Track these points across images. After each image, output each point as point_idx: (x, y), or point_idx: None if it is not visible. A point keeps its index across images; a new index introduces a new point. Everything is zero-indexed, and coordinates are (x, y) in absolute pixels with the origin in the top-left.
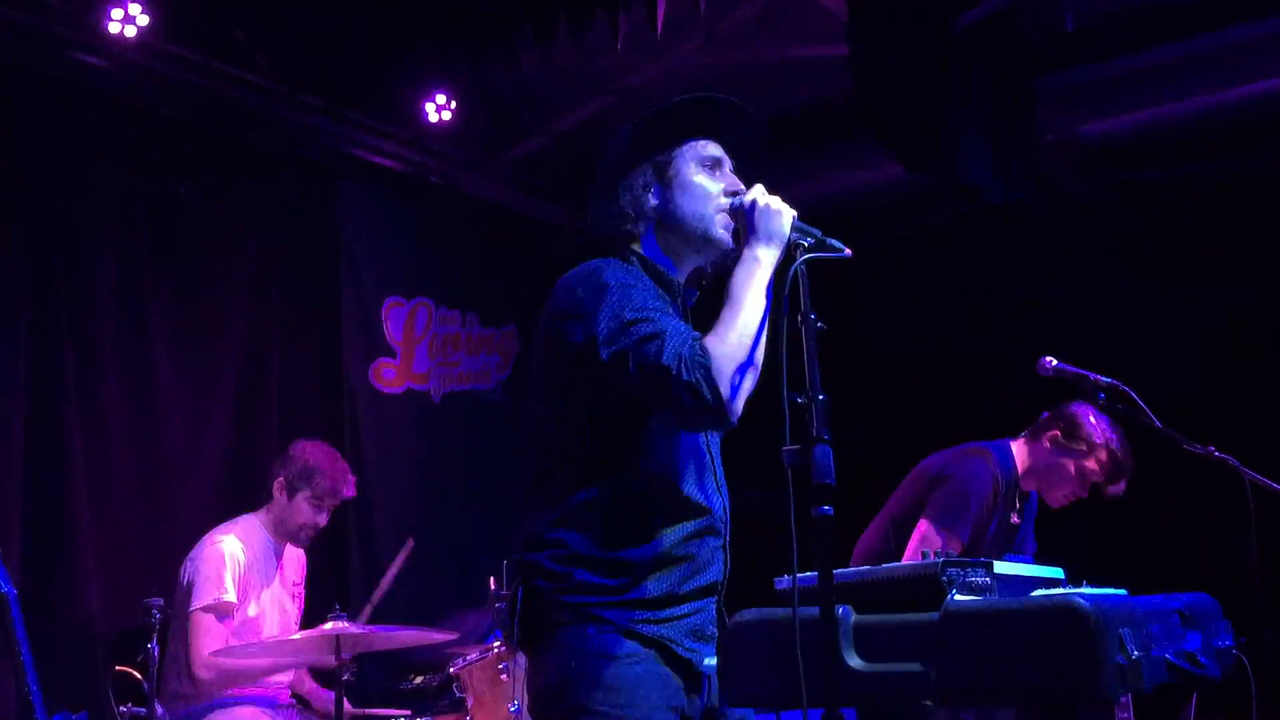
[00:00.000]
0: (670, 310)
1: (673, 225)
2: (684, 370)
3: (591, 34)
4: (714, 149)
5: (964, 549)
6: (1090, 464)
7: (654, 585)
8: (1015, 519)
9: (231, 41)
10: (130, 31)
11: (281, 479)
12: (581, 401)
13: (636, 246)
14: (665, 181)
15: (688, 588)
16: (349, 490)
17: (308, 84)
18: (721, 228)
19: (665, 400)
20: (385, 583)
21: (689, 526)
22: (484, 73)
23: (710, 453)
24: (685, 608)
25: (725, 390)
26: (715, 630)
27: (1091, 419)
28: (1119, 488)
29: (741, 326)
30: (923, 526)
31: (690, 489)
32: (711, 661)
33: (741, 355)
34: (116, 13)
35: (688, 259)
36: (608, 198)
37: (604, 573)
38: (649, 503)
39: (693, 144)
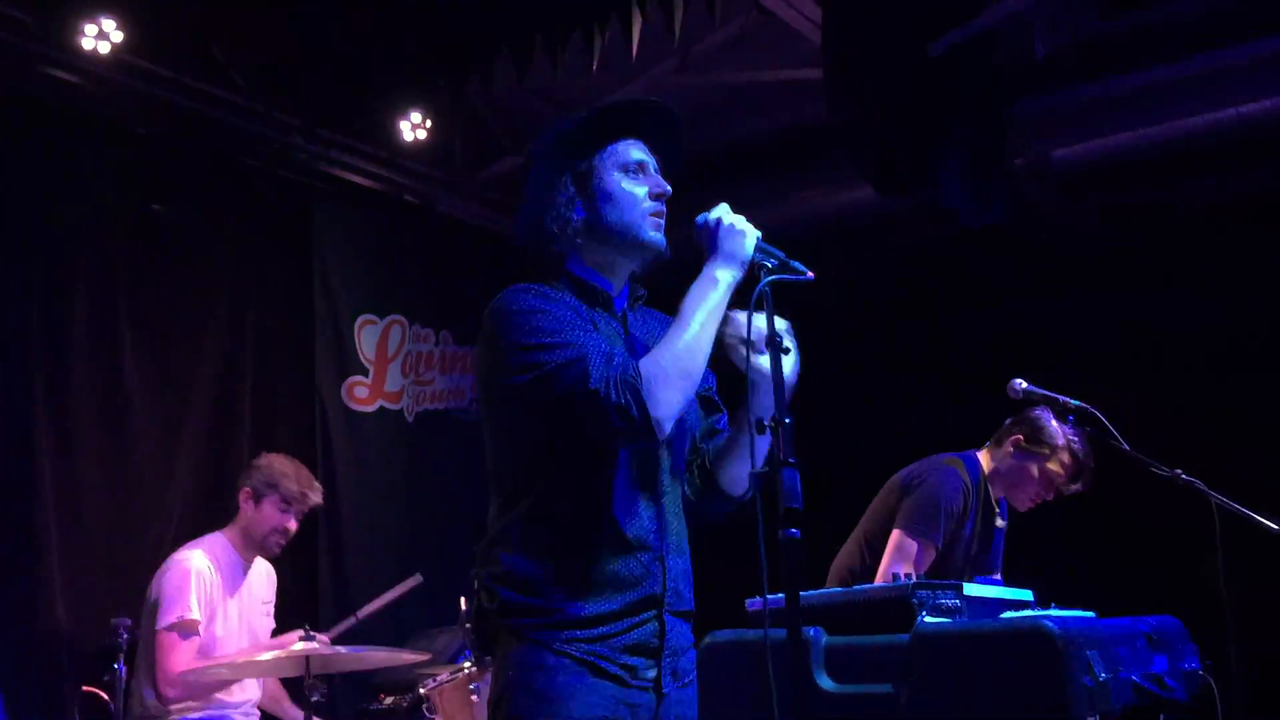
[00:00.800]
0: (595, 326)
1: (601, 236)
2: (612, 392)
3: (567, 55)
4: (636, 152)
5: (939, 556)
6: (1053, 466)
7: (583, 606)
8: (1000, 521)
9: (207, 59)
10: (104, 48)
11: (247, 489)
12: (507, 426)
13: (570, 263)
14: (588, 193)
15: (616, 604)
16: (316, 496)
17: (283, 102)
18: (652, 230)
19: (593, 421)
20: (375, 605)
21: (619, 543)
22: (459, 92)
23: (653, 462)
24: (617, 625)
25: (654, 410)
26: (658, 643)
27: (1053, 422)
28: (1080, 486)
29: (682, 346)
30: (895, 536)
31: (620, 506)
32: (651, 674)
33: (676, 373)
34: (90, 29)
35: (622, 266)
36: (533, 217)
37: (533, 593)
38: (575, 523)
39: (612, 149)
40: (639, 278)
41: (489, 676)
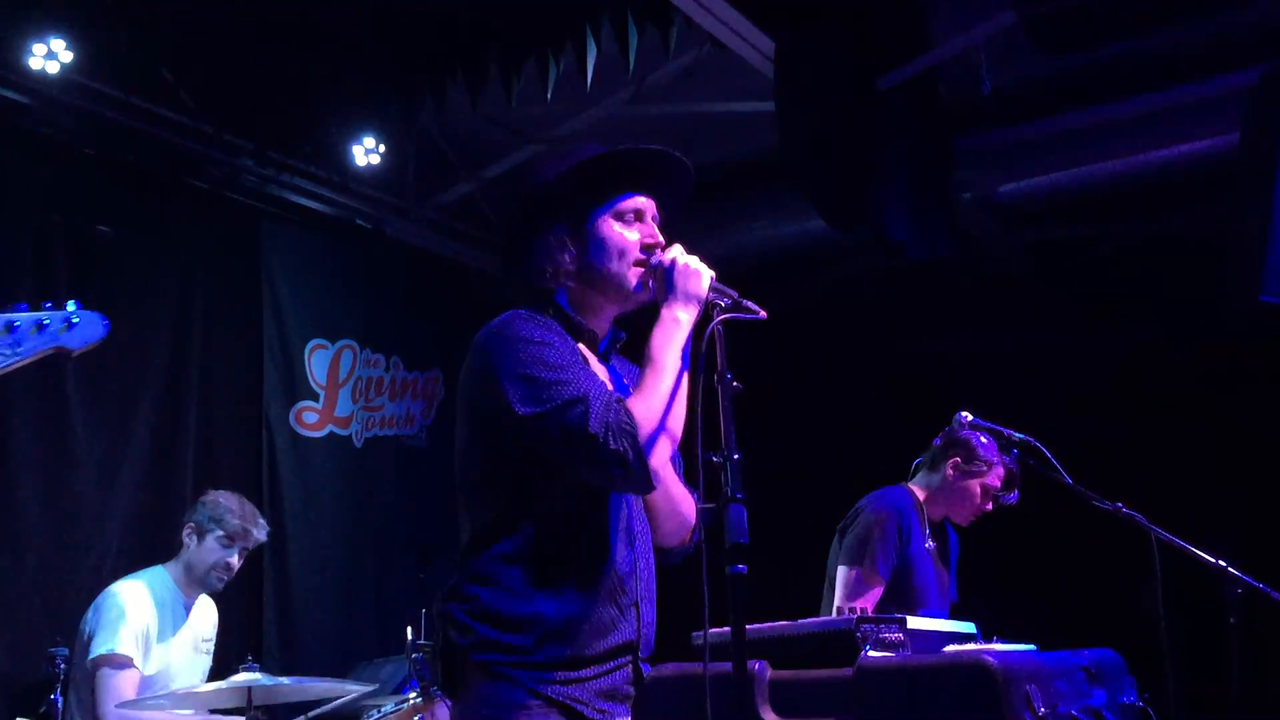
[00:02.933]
0: (586, 365)
1: (590, 280)
2: (610, 439)
3: (521, 82)
4: (634, 201)
5: (893, 586)
6: (991, 480)
7: (560, 647)
8: (932, 544)
9: (157, 80)
10: (53, 67)
11: (191, 525)
12: (492, 455)
13: (558, 297)
14: (580, 237)
15: (596, 649)
16: (260, 533)
17: (234, 124)
18: (636, 279)
19: (589, 466)
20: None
21: (597, 585)
22: (413, 117)
23: (627, 508)
24: (594, 669)
25: (649, 456)
26: (631, 689)
27: (981, 439)
28: (1014, 496)
29: (663, 390)
30: (840, 572)
31: (598, 547)
32: None
33: (664, 420)
34: (39, 48)
35: (605, 310)
36: (523, 252)
37: (510, 631)
38: (555, 561)
39: (610, 194)
40: (620, 321)
41: (436, 709)
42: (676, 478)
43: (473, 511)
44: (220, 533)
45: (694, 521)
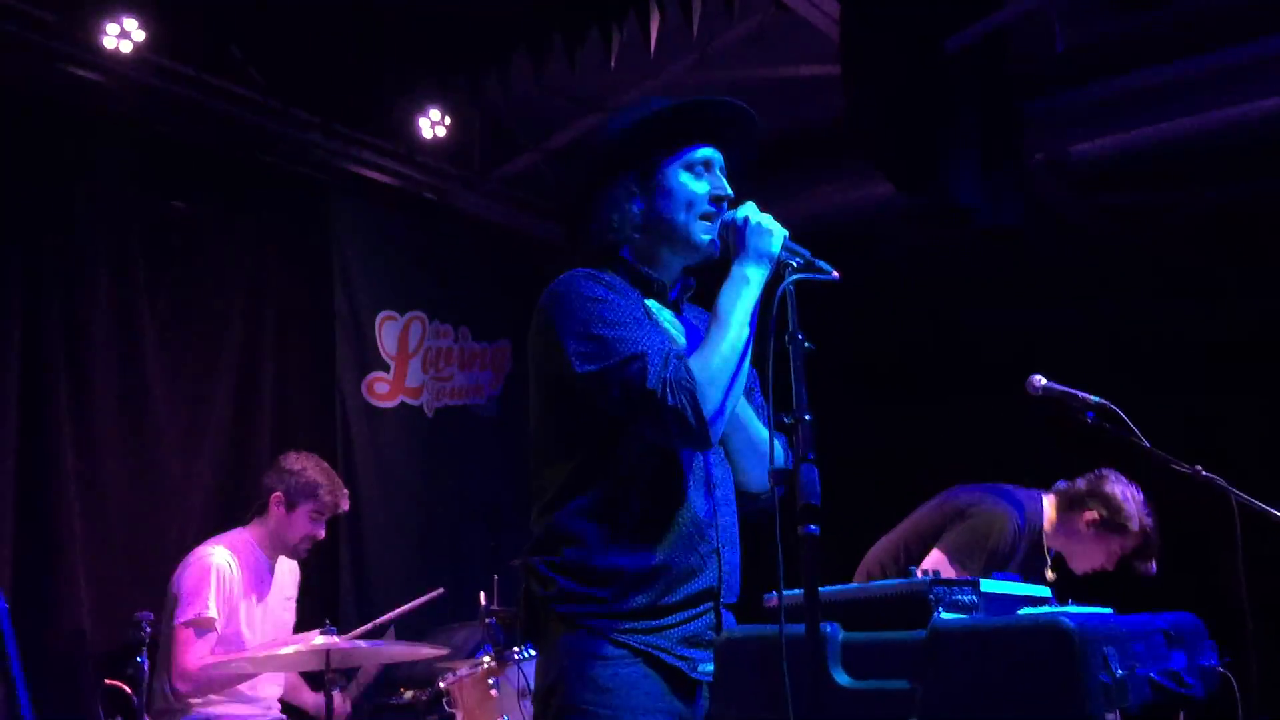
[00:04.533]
0: (652, 319)
1: (657, 231)
2: (669, 395)
3: (585, 53)
4: (703, 151)
5: None
6: (1127, 542)
7: (640, 596)
8: (1050, 575)
9: (226, 57)
10: (125, 47)
11: (280, 493)
12: (564, 415)
13: (624, 252)
14: (649, 188)
15: (676, 597)
16: (346, 504)
17: (302, 99)
18: (703, 233)
19: (649, 422)
20: (396, 612)
21: (676, 535)
22: (478, 90)
23: (704, 457)
24: (676, 617)
25: (709, 414)
26: (713, 635)
27: (1130, 503)
28: (1150, 567)
29: (728, 348)
30: (936, 556)
31: (675, 497)
32: (708, 667)
33: (726, 377)
34: (112, 28)
35: (673, 262)
36: (592, 205)
37: (590, 583)
38: (633, 513)
39: (679, 146)
40: (690, 272)
41: (509, 672)
42: (759, 422)
43: (549, 469)
44: (312, 506)
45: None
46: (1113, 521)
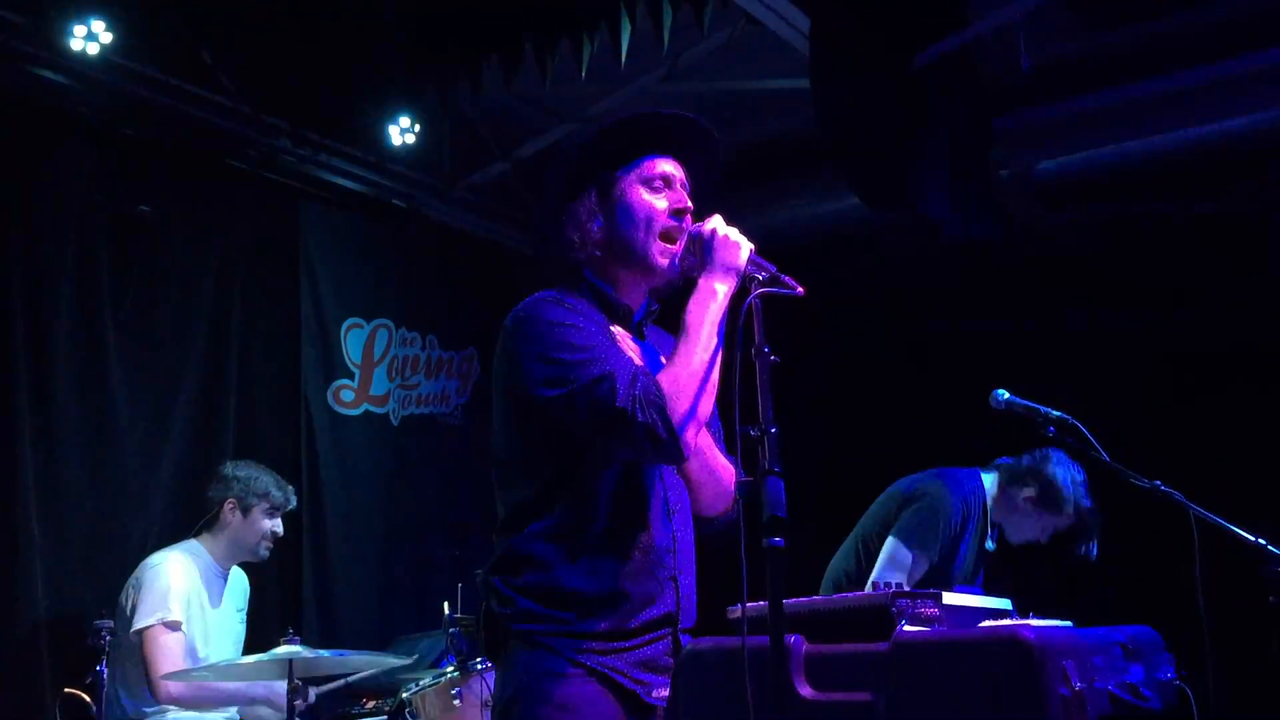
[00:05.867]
0: (614, 340)
1: (615, 252)
2: (639, 411)
3: (556, 62)
4: (662, 165)
5: (932, 570)
6: (1061, 523)
7: (600, 620)
8: (990, 544)
9: (196, 61)
10: (93, 48)
11: (232, 500)
12: (527, 437)
13: (586, 272)
14: (608, 205)
15: (635, 622)
16: (293, 498)
17: (272, 105)
18: (661, 256)
19: (622, 441)
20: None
21: (636, 560)
22: (448, 98)
23: (663, 482)
24: (634, 641)
25: (680, 426)
26: (670, 660)
27: (1069, 485)
28: (1091, 549)
29: (695, 362)
30: (891, 544)
31: (636, 522)
32: (663, 693)
33: (695, 390)
34: (79, 29)
35: (634, 285)
36: (554, 224)
37: (550, 604)
38: (594, 537)
39: (638, 161)
40: (653, 296)
41: (473, 683)
42: (716, 447)
43: (510, 489)
44: (266, 505)
45: (734, 490)
46: (1050, 501)
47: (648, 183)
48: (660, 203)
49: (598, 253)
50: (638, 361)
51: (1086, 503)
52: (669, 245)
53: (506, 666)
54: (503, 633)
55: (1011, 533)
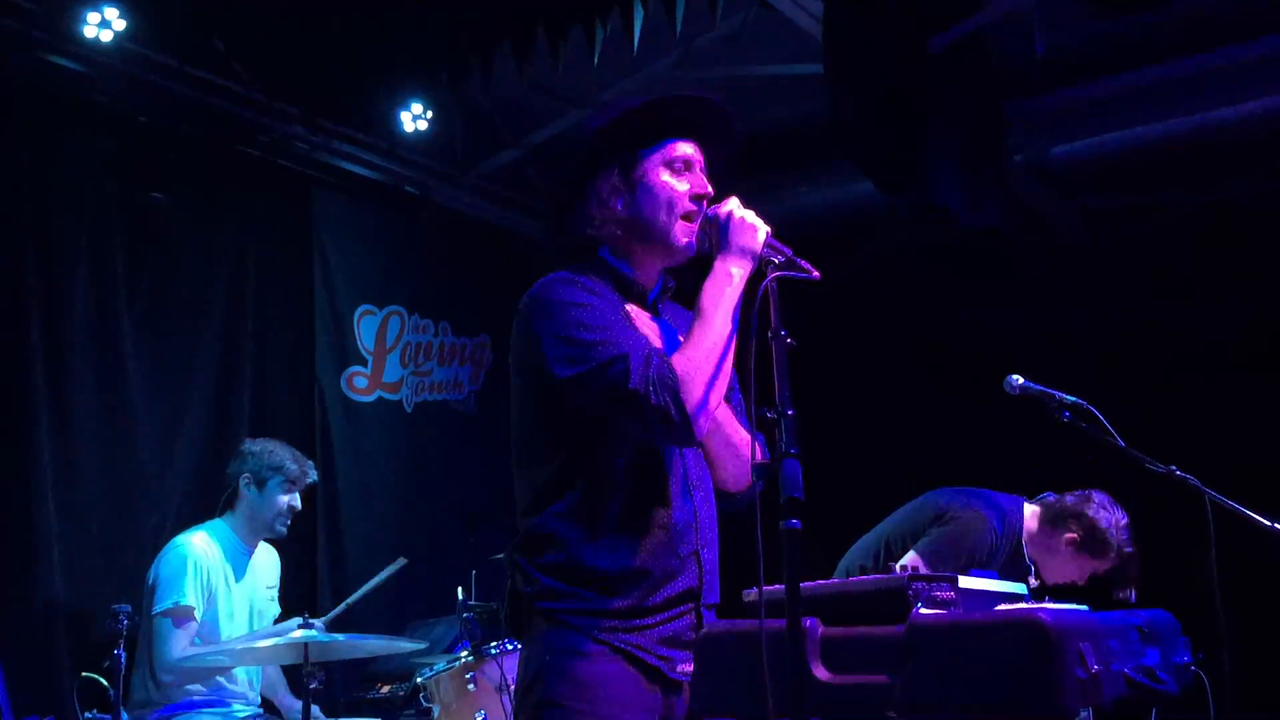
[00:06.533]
0: (630, 320)
1: (637, 229)
2: (653, 393)
3: (568, 48)
4: (684, 148)
5: None
6: (1102, 568)
7: (621, 597)
8: (1033, 581)
9: (209, 49)
10: (106, 36)
11: (248, 475)
12: (545, 418)
13: (603, 251)
14: (630, 184)
15: (657, 599)
16: (313, 472)
17: (285, 92)
18: (682, 236)
19: (635, 421)
20: (365, 589)
21: (656, 537)
22: (460, 84)
23: (683, 458)
24: (657, 617)
25: (692, 410)
26: (693, 636)
27: (1113, 530)
28: (1130, 595)
29: (710, 344)
30: (913, 559)
31: (656, 499)
32: (688, 668)
33: (708, 373)
34: (93, 17)
35: (651, 263)
36: (576, 201)
37: (572, 582)
38: (614, 515)
39: (660, 143)
40: (670, 272)
41: (487, 667)
42: (737, 422)
43: (529, 470)
44: (281, 478)
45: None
46: (1092, 545)
47: (670, 165)
48: (682, 185)
49: (619, 230)
50: (655, 342)
51: (1129, 549)
52: (689, 224)
53: (529, 645)
54: (526, 611)
55: (1048, 573)
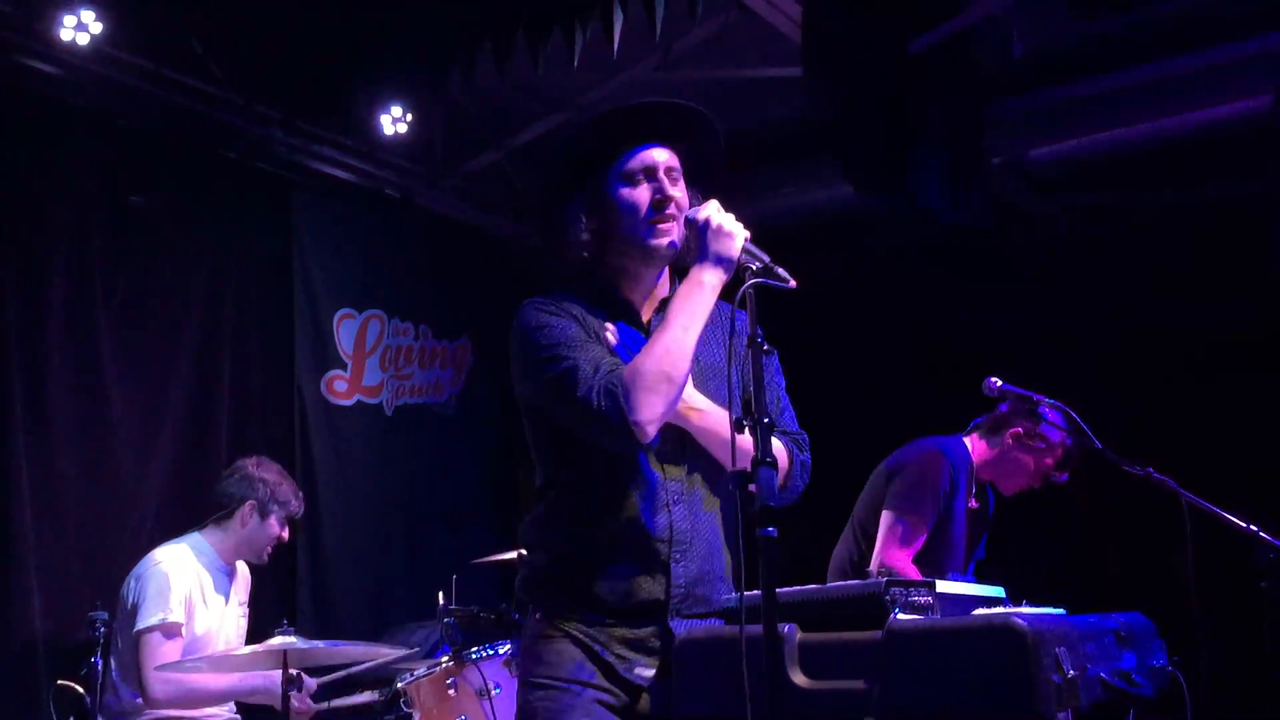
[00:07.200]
0: (591, 335)
1: (613, 247)
2: (594, 399)
3: (548, 50)
4: (639, 158)
5: (937, 537)
6: (1048, 460)
7: (590, 599)
8: (974, 503)
9: (187, 51)
10: (83, 39)
11: (253, 502)
12: (533, 433)
13: (593, 269)
14: (597, 205)
15: (619, 605)
16: (303, 506)
17: (263, 95)
18: (654, 237)
19: (580, 427)
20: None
21: (620, 547)
22: (441, 86)
23: (661, 471)
24: (616, 620)
25: (633, 414)
26: (657, 644)
27: (1049, 417)
28: (1065, 476)
29: (661, 350)
30: (886, 517)
31: (620, 512)
32: (646, 672)
33: (654, 378)
34: (69, 19)
35: (642, 273)
36: (557, 226)
37: (549, 579)
38: (587, 522)
39: (616, 158)
40: (677, 275)
41: (467, 672)
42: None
43: (539, 474)
44: (283, 513)
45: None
46: (1034, 433)
47: (627, 178)
48: (642, 195)
49: (600, 251)
50: (613, 353)
51: (1070, 439)
52: (663, 224)
53: (524, 627)
54: (521, 600)
55: (1005, 485)
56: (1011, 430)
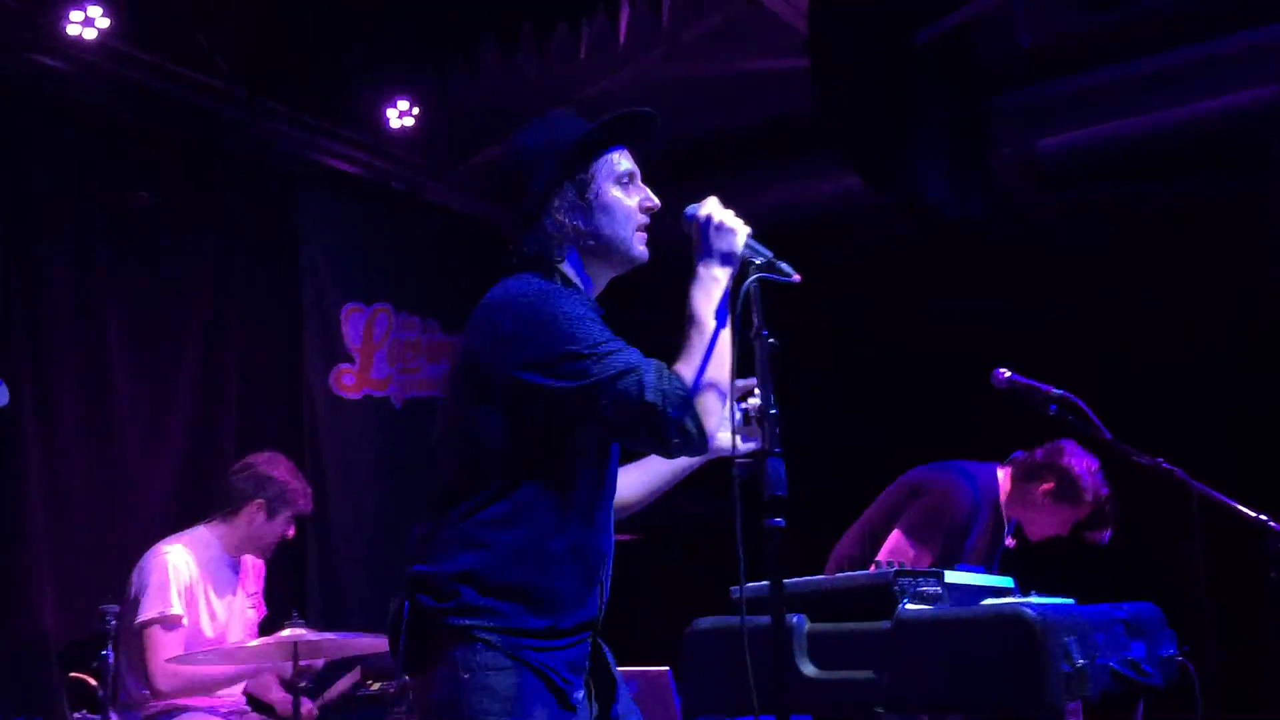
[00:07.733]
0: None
1: (596, 248)
2: (669, 407)
3: (554, 43)
4: (626, 162)
5: (935, 564)
6: (1081, 515)
7: (540, 618)
8: (1010, 541)
9: (193, 46)
10: (90, 34)
11: (261, 500)
12: (507, 425)
13: (563, 267)
14: (586, 203)
15: (569, 623)
16: (311, 505)
17: (269, 89)
18: (640, 245)
19: (649, 436)
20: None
21: (579, 562)
22: (446, 80)
23: (611, 477)
24: (564, 641)
25: (708, 424)
26: (588, 664)
27: (1086, 476)
28: (1103, 536)
29: (714, 355)
30: (895, 536)
31: (588, 525)
32: (579, 694)
33: (717, 386)
34: (76, 15)
35: (604, 275)
36: (534, 218)
37: (493, 596)
38: (550, 535)
39: (607, 158)
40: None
41: None
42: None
43: (468, 473)
44: (292, 512)
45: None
46: (1068, 493)
47: (620, 181)
48: (633, 200)
49: (577, 247)
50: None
51: (1105, 490)
52: (644, 235)
53: (441, 665)
54: (433, 630)
55: (1031, 529)
56: (1044, 487)
